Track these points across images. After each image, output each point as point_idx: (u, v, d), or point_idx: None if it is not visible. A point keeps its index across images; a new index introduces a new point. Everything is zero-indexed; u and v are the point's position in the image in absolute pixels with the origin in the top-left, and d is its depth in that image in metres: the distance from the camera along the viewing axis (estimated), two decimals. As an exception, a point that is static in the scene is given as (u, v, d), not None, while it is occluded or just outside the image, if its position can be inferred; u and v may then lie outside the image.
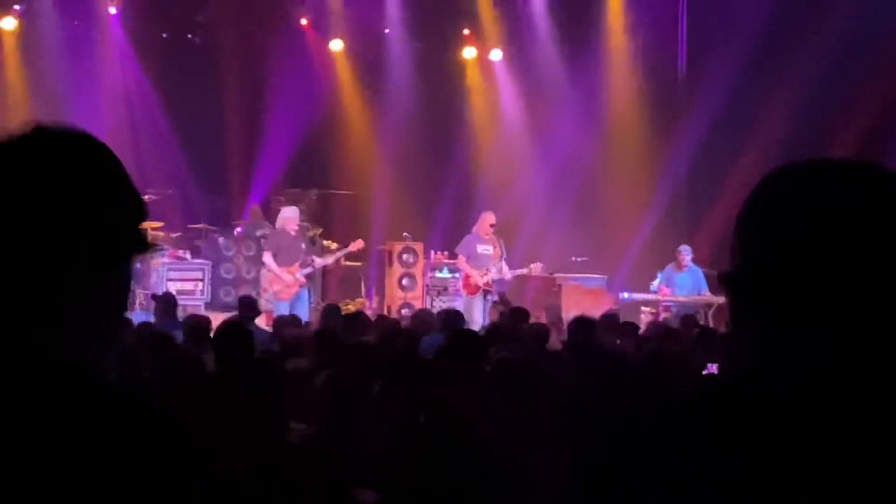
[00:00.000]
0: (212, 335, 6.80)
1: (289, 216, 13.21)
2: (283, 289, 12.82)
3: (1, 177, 1.36)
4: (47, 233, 1.34)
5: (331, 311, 10.22)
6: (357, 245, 13.79)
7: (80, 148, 1.42)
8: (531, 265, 13.51)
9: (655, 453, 1.45)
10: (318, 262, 13.54)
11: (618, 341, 8.57)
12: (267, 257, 13.08)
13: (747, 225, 1.48)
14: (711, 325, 12.40)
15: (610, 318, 9.94)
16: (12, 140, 1.38)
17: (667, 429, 1.47)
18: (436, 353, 6.17)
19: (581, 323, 8.37)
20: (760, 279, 1.42)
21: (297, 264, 12.89)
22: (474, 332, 7.49)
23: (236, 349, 5.84)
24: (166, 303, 10.52)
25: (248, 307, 10.07)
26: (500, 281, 13.35)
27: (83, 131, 1.43)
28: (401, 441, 4.53)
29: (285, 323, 9.83)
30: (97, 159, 1.43)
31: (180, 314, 10.85)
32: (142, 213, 1.45)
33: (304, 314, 11.78)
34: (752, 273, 1.44)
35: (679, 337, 8.91)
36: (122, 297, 1.47)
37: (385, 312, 14.89)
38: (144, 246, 1.43)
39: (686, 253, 14.39)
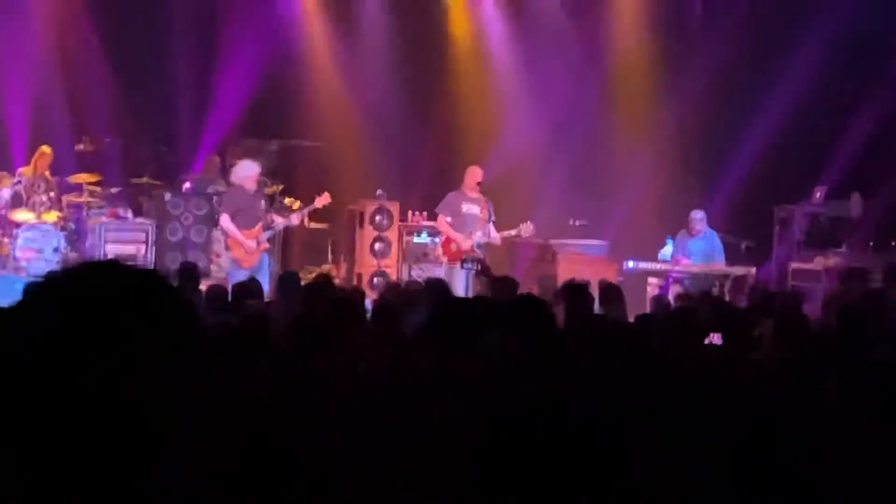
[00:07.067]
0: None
1: (248, 172, 12.57)
2: (245, 256, 12.23)
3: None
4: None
5: (287, 281, 9.30)
6: (323, 200, 13.05)
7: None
8: (521, 225, 12.96)
9: None
10: (280, 221, 12.90)
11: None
12: (225, 220, 12.39)
13: None
14: (728, 298, 12.16)
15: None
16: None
17: None
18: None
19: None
20: None
21: (258, 226, 12.26)
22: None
23: None
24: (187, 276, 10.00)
25: (187, 276, 9.61)
26: (488, 245, 13.01)
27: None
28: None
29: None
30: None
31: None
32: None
33: (265, 283, 10.95)
34: None
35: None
36: None
37: (355, 282, 14.93)
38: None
39: (699, 219, 14.14)
